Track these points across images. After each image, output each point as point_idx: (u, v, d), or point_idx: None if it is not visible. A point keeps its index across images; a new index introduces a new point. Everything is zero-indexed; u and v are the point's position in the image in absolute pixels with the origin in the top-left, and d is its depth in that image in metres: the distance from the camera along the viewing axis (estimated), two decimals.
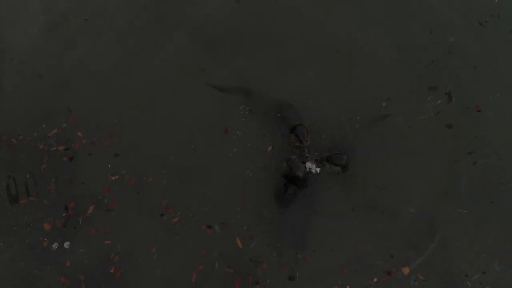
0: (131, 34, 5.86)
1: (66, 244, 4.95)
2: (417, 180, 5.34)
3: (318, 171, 5.27)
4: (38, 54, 5.68)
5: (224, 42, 5.85)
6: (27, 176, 5.17)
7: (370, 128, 5.52)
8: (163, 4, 6.01)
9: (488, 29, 5.94)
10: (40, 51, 5.70)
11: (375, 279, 5.00)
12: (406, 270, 5.12)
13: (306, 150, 5.34)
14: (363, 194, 5.28)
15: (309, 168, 5.25)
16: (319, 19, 5.98)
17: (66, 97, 5.52)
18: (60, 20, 5.84)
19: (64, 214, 5.04)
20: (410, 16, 6.04)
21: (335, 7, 6.06)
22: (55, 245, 4.96)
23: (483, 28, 5.94)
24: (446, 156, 5.45)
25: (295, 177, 5.14)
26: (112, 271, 4.87)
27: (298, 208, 5.20)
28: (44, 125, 5.37)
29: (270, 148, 5.39)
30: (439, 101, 5.64)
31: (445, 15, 6.01)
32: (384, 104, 5.62)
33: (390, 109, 5.62)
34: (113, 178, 5.18)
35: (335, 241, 5.09)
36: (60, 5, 5.90)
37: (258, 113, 5.55)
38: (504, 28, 5.96)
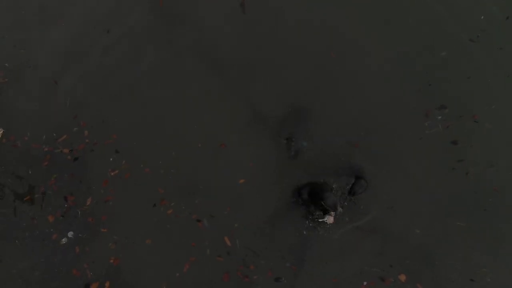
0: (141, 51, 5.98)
1: (70, 234, 5.22)
2: (419, 197, 5.30)
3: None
4: (55, 62, 5.85)
5: (231, 63, 5.90)
6: (29, 172, 5.42)
7: (372, 147, 5.49)
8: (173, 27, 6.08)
9: (480, 45, 5.78)
10: (58, 59, 5.88)
11: (364, 283, 4.96)
12: (403, 277, 5.04)
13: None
14: (367, 213, 5.27)
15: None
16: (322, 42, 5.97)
17: (79, 106, 5.70)
18: (80, 30, 6.03)
19: (66, 205, 5.29)
20: (405, 30, 5.93)
21: (335, 26, 6.00)
22: (64, 240, 5.23)
23: (474, 44, 5.78)
24: (443, 168, 5.39)
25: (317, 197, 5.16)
26: (111, 260, 5.14)
27: (297, 222, 5.26)
28: (54, 134, 5.56)
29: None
30: (439, 115, 5.56)
31: (438, 31, 5.88)
32: (384, 120, 5.60)
33: (390, 125, 5.59)
34: (112, 174, 5.40)
35: (333, 255, 5.14)
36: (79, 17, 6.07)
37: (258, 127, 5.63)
38: (494, 44, 5.79)
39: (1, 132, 5.54)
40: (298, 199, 5.25)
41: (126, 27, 5.95)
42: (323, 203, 5.02)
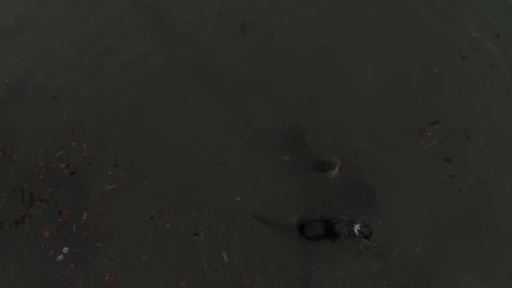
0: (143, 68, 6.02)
1: (65, 250, 5.19)
2: (418, 216, 5.32)
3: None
4: (55, 78, 5.86)
5: (230, 81, 5.96)
6: (25, 185, 5.40)
7: (369, 165, 5.53)
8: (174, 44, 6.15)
9: (471, 62, 5.89)
10: (59, 75, 5.88)
11: None
12: None
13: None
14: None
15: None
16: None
17: (79, 119, 5.70)
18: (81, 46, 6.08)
19: (60, 220, 5.28)
20: (399, 48, 6.04)
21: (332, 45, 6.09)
22: (60, 257, 5.20)
23: (465, 61, 5.89)
24: (438, 185, 5.44)
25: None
26: (106, 277, 5.10)
27: (296, 240, 5.26)
28: (51, 149, 5.55)
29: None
30: (430, 130, 5.63)
31: (430, 48, 5.99)
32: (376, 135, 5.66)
33: (386, 142, 5.64)
34: (110, 187, 5.40)
35: (330, 274, 5.12)
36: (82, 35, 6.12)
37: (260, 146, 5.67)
38: (484, 61, 5.91)
39: None
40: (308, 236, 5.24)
41: (127, 44, 6.05)
42: (340, 234, 5.08)
